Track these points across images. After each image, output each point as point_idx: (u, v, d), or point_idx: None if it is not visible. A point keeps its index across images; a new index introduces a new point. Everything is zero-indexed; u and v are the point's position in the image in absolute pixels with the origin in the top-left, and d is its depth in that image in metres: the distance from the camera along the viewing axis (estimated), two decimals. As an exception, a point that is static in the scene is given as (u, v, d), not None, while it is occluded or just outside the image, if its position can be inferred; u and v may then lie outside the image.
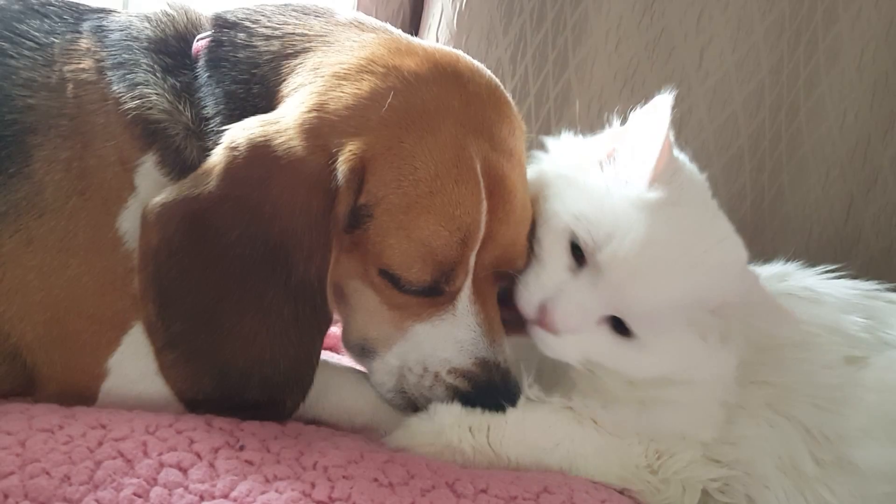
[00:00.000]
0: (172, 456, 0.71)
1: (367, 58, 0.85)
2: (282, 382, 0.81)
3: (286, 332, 0.80)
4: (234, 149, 0.80)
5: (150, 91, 0.86)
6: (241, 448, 0.74)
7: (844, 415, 0.92)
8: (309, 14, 0.93)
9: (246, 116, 0.83)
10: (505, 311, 0.90)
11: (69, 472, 0.68)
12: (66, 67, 0.87)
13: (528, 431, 0.88)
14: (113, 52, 0.89)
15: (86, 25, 0.92)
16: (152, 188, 0.84)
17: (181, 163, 0.86)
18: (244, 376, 0.81)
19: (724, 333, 0.88)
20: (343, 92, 0.82)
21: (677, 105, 1.61)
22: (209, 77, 0.89)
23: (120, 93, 0.86)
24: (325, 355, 1.05)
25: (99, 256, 0.83)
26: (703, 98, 1.62)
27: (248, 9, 0.94)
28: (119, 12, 0.95)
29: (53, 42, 0.88)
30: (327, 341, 1.12)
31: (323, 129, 0.80)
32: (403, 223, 0.81)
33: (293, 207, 0.79)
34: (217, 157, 0.81)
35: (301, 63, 0.87)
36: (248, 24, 0.92)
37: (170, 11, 0.94)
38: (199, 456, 0.72)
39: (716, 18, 1.59)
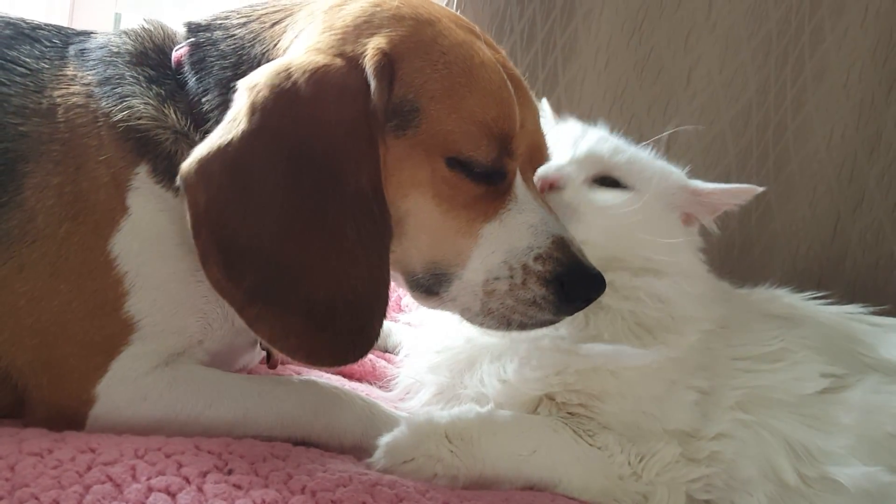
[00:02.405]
0: (161, 480, 0.71)
1: None
2: (364, 305, 0.80)
3: (354, 253, 0.79)
4: (253, 87, 0.79)
5: (136, 101, 0.87)
6: (230, 472, 0.74)
7: (828, 433, 0.94)
8: None
9: None
10: None
11: (58, 496, 0.67)
12: (56, 93, 0.87)
13: (500, 436, 0.89)
14: (98, 71, 0.89)
15: (71, 50, 0.92)
16: (146, 205, 0.85)
17: (173, 169, 0.85)
18: (329, 307, 0.78)
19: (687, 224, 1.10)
20: (346, 12, 0.86)
21: (665, 124, 1.64)
22: (198, 79, 0.89)
23: (109, 108, 0.86)
24: (314, 375, 1.07)
25: (90, 280, 0.83)
26: (691, 117, 1.64)
27: (215, 12, 0.97)
28: (98, 33, 0.96)
29: (44, 67, 0.89)
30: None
31: (337, 41, 0.83)
32: (453, 106, 0.82)
33: (329, 119, 0.79)
34: (239, 101, 0.80)
35: (289, 24, 0.89)
36: (219, 21, 0.94)
37: (147, 26, 0.96)
38: (187, 480, 0.72)
39: (703, 39, 1.61)
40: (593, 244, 0.96)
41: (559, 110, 1.57)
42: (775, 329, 1.03)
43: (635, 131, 1.60)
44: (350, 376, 1.13)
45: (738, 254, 1.72)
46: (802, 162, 1.73)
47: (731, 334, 1.03)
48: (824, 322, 1.06)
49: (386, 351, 1.23)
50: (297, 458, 0.81)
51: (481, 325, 0.88)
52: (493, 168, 0.85)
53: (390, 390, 1.11)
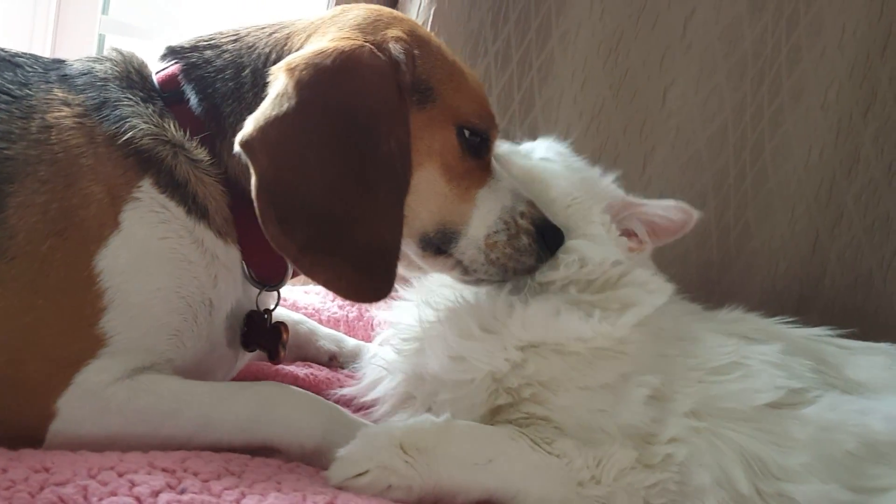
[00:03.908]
0: (112, 502, 0.71)
1: (342, 7, 1.03)
2: (390, 250, 0.92)
3: (383, 206, 0.92)
4: (294, 68, 0.89)
5: (138, 121, 0.91)
6: (182, 491, 0.75)
7: (785, 448, 0.93)
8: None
9: (255, 101, 0.93)
10: None
11: (9, 518, 0.68)
12: (48, 115, 0.89)
13: (456, 445, 0.89)
14: (90, 95, 0.92)
15: (52, 75, 0.95)
16: (143, 218, 0.88)
17: (174, 182, 0.91)
18: (367, 253, 0.91)
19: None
20: (352, 15, 1.00)
21: (641, 144, 1.66)
22: (200, 97, 0.96)
23: (112, 129, 0.90)
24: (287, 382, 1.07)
25: (69, 296, 0.84)
26: (667, 137, 1.65)
27: (193, 37, 1.03)
28: (72, 60, 0.99)
29: (29, 94, 0.91)
30: (290, 378, 1.14)
31: (359, 34, 0.97)
32: (456, 87, 1.00)
33: (367, 90, 0.92)
34: (281, 82, 0.89)
35: (290, 32, 1.00)
36: (205, 43, 1.01)
37: (124, 53, 1.00)
38: (139, 500, 0.72)
39: (679, 59, 1.63)
40: None
41: (536, 131, 1.59)
42: (734, 344, 1.03)
43: (611, 152, 1.62)
44: (318, 390, 1.13)
45: (716, 273, 1.73)
46: (780, 181, 1.75)
47: (688, 346, 1.03)
48: (789, 342, 1.06)
49: (357, 369, 1.24)
50: (253, 475, 0.82)
51: (485, 273, 1.03)
52: (487, 136, 1.03)
53: (359, 382, 1.12)
